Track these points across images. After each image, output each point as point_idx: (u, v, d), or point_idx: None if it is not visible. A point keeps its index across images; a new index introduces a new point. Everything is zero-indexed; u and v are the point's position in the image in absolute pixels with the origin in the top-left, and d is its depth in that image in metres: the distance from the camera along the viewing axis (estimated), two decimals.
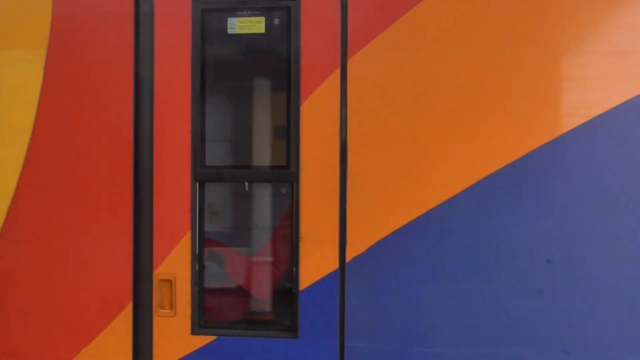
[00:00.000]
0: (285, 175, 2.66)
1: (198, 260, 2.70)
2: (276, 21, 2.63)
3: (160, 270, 2.70)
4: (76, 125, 2.77)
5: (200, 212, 2.70)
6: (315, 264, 2.59)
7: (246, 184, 2.71)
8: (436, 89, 2.55)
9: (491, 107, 2.52)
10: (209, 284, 2.77)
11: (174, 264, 2.69)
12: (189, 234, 2.68)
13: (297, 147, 2.61)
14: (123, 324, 2.72)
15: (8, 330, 2.80)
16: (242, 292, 2.90)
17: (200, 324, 2.70)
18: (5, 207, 2.79)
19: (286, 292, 2.70)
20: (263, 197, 2.80)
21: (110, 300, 2.73)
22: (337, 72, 2.58)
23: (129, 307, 2.72)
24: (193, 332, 2.68)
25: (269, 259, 2.86)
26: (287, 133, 2.64)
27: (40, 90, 2.76)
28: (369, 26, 2.57)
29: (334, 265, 2.58)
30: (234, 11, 2.66)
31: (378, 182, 2.57)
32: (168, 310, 2.69)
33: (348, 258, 2.57)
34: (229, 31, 2.66)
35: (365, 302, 2.58)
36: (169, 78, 2.70)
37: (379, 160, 2.57)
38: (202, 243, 2.72)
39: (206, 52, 2.68)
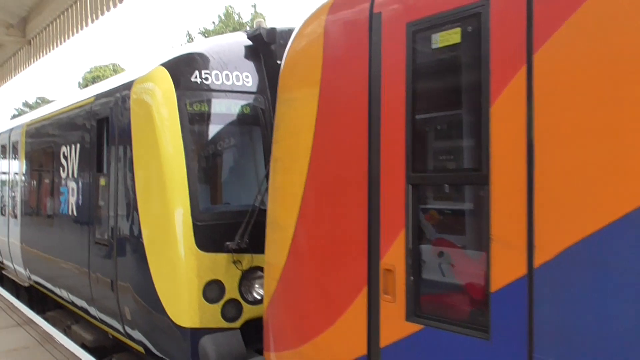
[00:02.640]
0: (477, 177, 2.69)
1: (412, 254, 3.00)
2: (469, 29, 2.72)
3: (385, 261, 3.13)
4: (334, 144, 3.52)
5: (413, 212, 3.00)
6: (505, 267, 2.54)
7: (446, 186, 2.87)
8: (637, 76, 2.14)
9: None
10: (426, 276, 3.04)
11: (394, 256, 3.08)
12: (403, 231, 3.02)
13: (487, 148, 2.62)
14: (361, 303, 3.27)
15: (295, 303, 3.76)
16: (455, 289, 3.02)
17: (413, 312, 2.99)
18: (299, 201, 3.75)
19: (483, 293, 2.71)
20: (463, 199, 2.88)
21: (353, 283, 3.33)
22: (524, 70, 2.48)
23: (365, 290, 3.25)
24: (407, 319, 3.00)
25: (473, 259, 2.89)
26: (478, 135, 2.67)
27: (315, 118, 3.63)
28: (554, 17, 2.38)
29: (522, 270, 2.46)
30: (438, 27, 2.89)
31: (571, 183, 2.32)
32: (390, 297, 3.10)
33: (536, 263, 2.41)
34: (433, 46, 2.90)
35: (556, 313, 2.36)
36: (391, 95, 3.13)
37: (572, 159, 2.33)
38: (416, 239, 3.01)
39: (417, 67, 2.99)
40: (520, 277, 2.47)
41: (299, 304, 3.76)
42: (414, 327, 2.95)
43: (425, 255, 3.07)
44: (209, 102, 5.83)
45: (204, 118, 5.83)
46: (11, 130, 11.70)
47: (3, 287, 12.03)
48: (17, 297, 11.28)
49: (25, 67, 14.19)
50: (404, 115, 3.02)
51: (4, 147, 12.08)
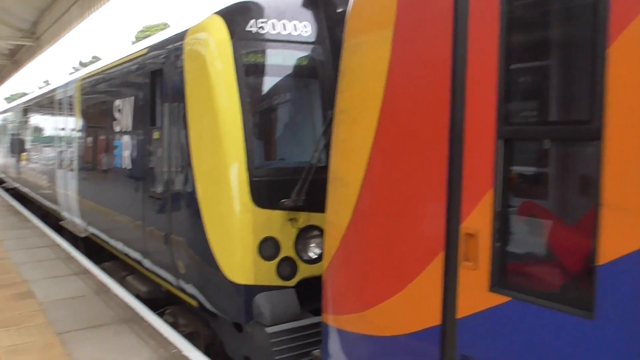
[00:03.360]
0: (585, 131, 2.31)
1: (500, 218, 2.67)
2: None
3: (467, 224, 2.81)
4: (410, 92, 3.17)
5: (504, 170, 2.66)
6: (619, 238, 2.18)
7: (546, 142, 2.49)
8: None
9: None
10: (515, 243, 2.71)
11: (478, 219, 2.75)
12: (491, 192, 2.68)
13: (602, 97, 2.22)
14: (436, 269, 2.98)
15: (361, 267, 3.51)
16: (547, 259, 2.68)
17: (498, 282, 2.68)
18: (366, 156, 3.45)
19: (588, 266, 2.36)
20: (565, 157, 2.50)
21: (428, 247, 3.03)
22: None
23: (441, 256, 2.95)
24: (491, 289, 2.69)
25: (574, 226, 2.53)
26: (589, 81, 2.27)
27: (388, 64, 3.28)
28: None
29: None
30: None
31: None
32: (471, 263, 2.79)
33: None
34: None
35: None
36: (481, 34, 2.74)
37: None
38: (506, 201, 2.67)
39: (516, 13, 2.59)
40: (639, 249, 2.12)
41: (364, 266, 3.50)
42: (498, 299, 2.65)
43: (515, 220, 2.73)
44: (265, 53, 5.54)
45: (260, 70, 5.55)
46: (67, 85, 11.79)
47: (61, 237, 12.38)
48: (75, 247, 11.60)
49: (80, 22, 14.24)
50: (496, 58, 2.64)
51: (60, 102, 12.22)
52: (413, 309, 3.13)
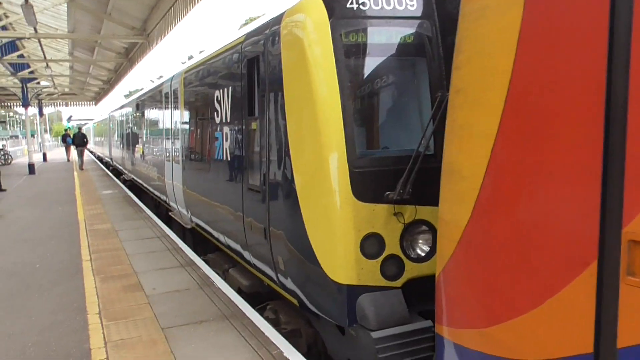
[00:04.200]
0: None
1: None
2: None
3: (631, 229, 2.18)
4: (549, 65, 2.54)
5: None
6: None
7: None
8: None
9: None
10: None
11: None
12: None
13: None
14: (587, 283, 2.37)
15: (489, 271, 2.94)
16: None
17: None
18: (490, 144, 2.88)
19: None
20: None
21: (574, 254, 2.42)
22: None
23: (593, 266, 2.34)
24: None
25: None
26: None
27: (518, 32, 2.67)
28: None
29: None
30: None
31: None
32: (638, 279, 2.16)
33: None
34: None
35: None
36: None
37: None
38: None
39: None
40: None
41: (488, 274, 2.95)
42: None
43: None
44: (366, 31, 5.06)
45: (362, 50, 5.09)
46: (172, 78, 12.07)
47: (171, 228, 12.81)
48: (183, 238, 11.92)
49: (184, 16, 14.61)
50: None
51: (166, 95, 12.57)
52: (554, 330, 2.54)
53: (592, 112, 2.32)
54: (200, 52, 11.13)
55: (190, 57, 12.17)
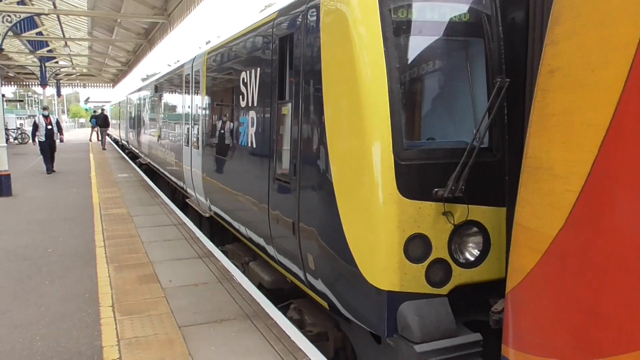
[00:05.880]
0: None
1: None
2: None
3: None
4: None
5: None
6: None
7: None
8: None
9: None
10: None
11: None
12: None
13: None
14: None
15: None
16: None
17: None
18: (599, 137, 2.33)
19: None
20: None
21: None
22: None
23: None
24: None
25: None
26: None
27: None
28: None
29: None
30: None
31: None
32: None
33: None
34: None
35: None
36: None
37: None
38: None
39: None
40: None
41: (586, 297, 2.41)
42: None
43: None
44: (418, 7, 4.50)
45: (412, 28, 4.52)
46: (193, 59, 11.56)
47: (187, 215, 12.37)
48: (200, 226, 11.47)
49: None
50: None
51: (187, 77, 12.07)
52: None
53: None
54: (218, 37, 10.57)
55: (208, 43, 11.59)
